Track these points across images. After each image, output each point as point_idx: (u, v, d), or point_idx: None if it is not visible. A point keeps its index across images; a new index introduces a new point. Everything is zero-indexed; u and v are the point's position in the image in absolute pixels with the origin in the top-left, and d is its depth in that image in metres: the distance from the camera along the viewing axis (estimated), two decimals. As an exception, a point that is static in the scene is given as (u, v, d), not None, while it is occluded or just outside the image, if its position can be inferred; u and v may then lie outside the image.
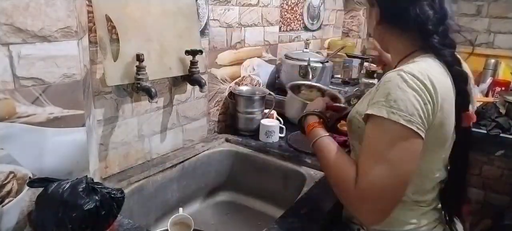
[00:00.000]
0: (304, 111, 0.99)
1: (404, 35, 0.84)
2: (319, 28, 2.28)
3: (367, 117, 0.76)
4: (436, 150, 0.81)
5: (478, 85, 2.27)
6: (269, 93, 1.56)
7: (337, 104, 1.06)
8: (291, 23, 1.97)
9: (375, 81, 2.12)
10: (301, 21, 2.07)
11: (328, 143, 0.88)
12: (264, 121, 1.51)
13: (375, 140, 0.75)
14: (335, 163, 0.83)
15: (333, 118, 1.04)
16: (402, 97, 0.71)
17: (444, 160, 0.87)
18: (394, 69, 0.77)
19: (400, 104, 0.71)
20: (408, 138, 0.71)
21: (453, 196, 0.88)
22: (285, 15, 1.90)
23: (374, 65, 2.27)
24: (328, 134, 0.90)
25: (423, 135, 0.72)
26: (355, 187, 0.75)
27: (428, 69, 0.75)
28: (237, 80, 1.64)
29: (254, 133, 1.54)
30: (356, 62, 2.25)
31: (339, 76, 2.17)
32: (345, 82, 2.12)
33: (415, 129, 0.71)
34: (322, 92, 1.32)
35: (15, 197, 0.77)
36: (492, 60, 2.35)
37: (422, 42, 0.81)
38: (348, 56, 1.92)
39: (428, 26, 0.78)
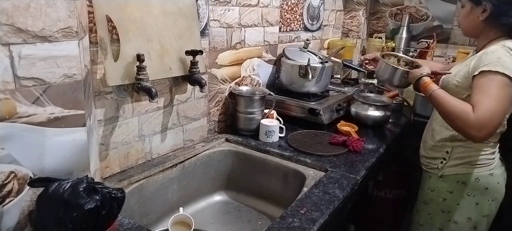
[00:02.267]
0: (419, 74, 1.31)
1: (496, 27, 1.20)
2: (319, 28, 2.28)
3: (480, 73, 1.12)
4: None
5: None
6: (269, 93, 1.57)
7: (435, 70, 1.38)
8: (291, 23, 1.97)
9: (375, 81, 2.13)
10: (301, 22, 2.07)
11: (442, 92, 1.21)
12: (264, 121, 1.51)
13: (488, 86, 1.10)
14: (453, 103, 1.15)
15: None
16: (508, 60, 1.09)
17: None
18: (497, 44, 1.15)
19: (508, 65, 1.09)
20: (510, 86, 1.08)
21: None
22: (285, 15, 1.90)
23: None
24: (438, 87, 1.24)
25: None
26: (474, 116, 1.08)
27: None
28: (237, 80, 1.64)
29: (254, 133, 1.54)
30: (355, 62, 2.26)
31: (338, 76, 2.17)
32: (345, 82, 2.12)
33: None
34: (398, 59, 1.62)
35: (16, 197, 0.77)
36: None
37: (507, 32, 1.18)
38: (344, 65, 1.92)
39: None
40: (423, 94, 1.33)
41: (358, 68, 2.02)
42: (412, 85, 1.40)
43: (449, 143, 1.31)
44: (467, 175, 1.29)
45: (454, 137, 1.28)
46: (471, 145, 1.26)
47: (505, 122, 1.24)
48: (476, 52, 1.26)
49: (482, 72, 1.12)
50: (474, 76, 1.15)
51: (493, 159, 1.29)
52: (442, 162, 1.33)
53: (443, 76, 1.32)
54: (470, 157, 1.28)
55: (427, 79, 1.28)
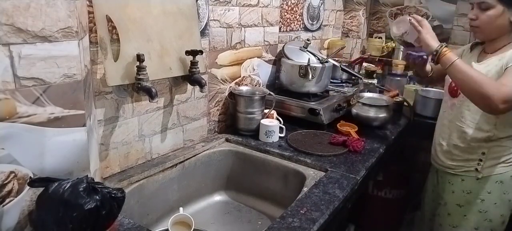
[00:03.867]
0: (438, 46, 1.25)
1: None
2: (319, 28, 2.29)
3: None
4: None
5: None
6: (269, 93, 1.57)
7: None
8: (291, 23, 1.97)
9: (375, 81, 2.13)
10: (301, 22, 2.07)
11: (464, 63, 1.20)
12: (264, 121, 1.51)
13: None
14: (477, 73, 1.18)
15: None
16: None
17: None
18: None
19: None
20: None
21: None
22: (285, 15, 1.90)
23: (373, 66, 2.28)
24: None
25: None
26: (498, 86, 1.12)
27: None
28: (237, 80, 1.64)
29: (254, 133, 1.54)
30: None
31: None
32: (345, 82, 2.12)
33: None
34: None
35: (16, 197, 0.77)
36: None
37: None
38: (342, 69, 1.92)
39: None
40: (440, 65, 1.26)
41: (356, 74, 2.03)
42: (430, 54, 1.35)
43: (485, 144, 1.31)
44: (504, 174, 1.31)
45: (490, 138, 1.28)
46: (506, 143, 1.28)
47: None
48: (489, 52, 1.29)
49: None
50: (506, 68, 1.18)
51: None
52: (479, 164, 1.32)
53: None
54: (504, 155, 1.29)
55: (446, 49, 1.24)
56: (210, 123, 1.54)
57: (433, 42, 1.26)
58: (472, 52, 1.41)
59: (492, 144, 1.29)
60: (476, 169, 1.33)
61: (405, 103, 2.01)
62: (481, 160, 1.32)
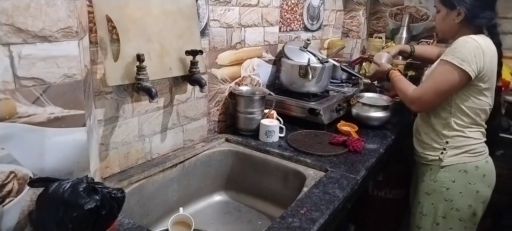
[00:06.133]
0: (386, 69, 1.58)
1: (469, 28, 1.32)
2: (319, 28, 2.29)
3: (439, 60, 1.33)
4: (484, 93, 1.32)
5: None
6: (269, 93, 1.57)
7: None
8: (291, 23, 1.97)
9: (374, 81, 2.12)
10: (301, 22, 2.07)
11: (399, 75, 1.51)
12: (264, 121, 1.51)
13: (435, 71, 1.34)
14: (401, 84, 1.46)
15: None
16: (462, 50, 1.25)
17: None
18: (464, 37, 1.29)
19: (459, 54, 1.25)
20: (452, 72, 1.27)
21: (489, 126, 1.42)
22: (285, 15, 1.90)
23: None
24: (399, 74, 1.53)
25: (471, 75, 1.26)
26: (410, 92, 1.40)
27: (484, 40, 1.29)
28: (237, 80, 1.64)
29: (254, 133, 1.54)
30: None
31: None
32: (345, 82, 2.12)
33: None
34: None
35: (16, 197, 0.77)
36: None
37: (479, 31, 1.32)
38: (342, 69, 1.92)
39: (493, 22, 1.34)
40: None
41: (356, 74, 2.02)
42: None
43: (448, 132, 1.37)
44: (468, 164, 1.36)
45: (449, 124, 1.37)
46: (470, 134, 1.35)
47: (488, 109, 1.36)
48: None
49: (439, 60, 1.33)
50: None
51: (485, 147, 1.39)
52: (442, 153, 1.39)
53: (426, 71, 1.49)
54: (468, 145, 1.36)
55: (392, 71, 1.54)
56: (210, 123, 1.54)
57: (383, 67, 1.61)
58: None
59: (455, 133, 1.36)
60: (439, 158, 1.39)
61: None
62: (445, 149, 1.38)
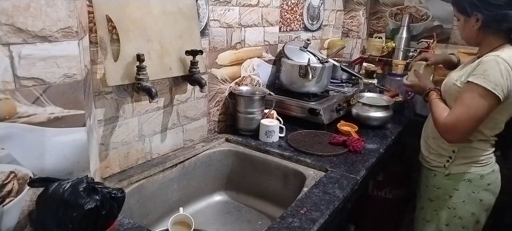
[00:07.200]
0: (427, 89, 1.41)
1: (493, 33, 1.23)
2: (319, 28, 2.28)
3: (467, 82, 1.21)
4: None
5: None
6: (269, 93, 1.57)
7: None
8: (291, 23, 1.97)
9: (375, 81, 2.13)
10: (301, 22, 2.07)
11: (436, 101, 1.33)
12: (264, 121, 1.51)
13: (465, 97, 1.20)
14: (436, 109, 1.30)
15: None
16: (492, 73, 1.15)
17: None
18: (494, 53, 1.19)
19: (491, 78, 1.15)
20: (485, 97, 1.16)
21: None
22: (285, 15, 1.90)
23: (373, 66, 2.28)
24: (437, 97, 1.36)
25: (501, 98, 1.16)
26: (443, 120, 1.25)
27: None
28: (237, 80, 1.64)
29: (254, 133, 1.54)
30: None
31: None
32: (345, 82, 2.12)
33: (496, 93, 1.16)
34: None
35: (16, 197, 0.77)
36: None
37: (507, 37, 1.23)
38: (342, 69, 1.92)
39: None
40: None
41: (356, 74, 2.03)
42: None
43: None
44: (473, 173, 1.33)
45: None
46: (476, 145, 1.30)
47: (502, 125, 1.29)
48: (478, 58, 1.27)
49: (468, 82, 1.20)
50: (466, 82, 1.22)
51: (492, 157, 1.35)
52: (448, 161, 1.36)
53: (444, 81, 1.37)
54: (476, 156, 1.32)
55: (431, 92, 1.38)
56: (210, 123, 1.54)
57: (424, 84, 1.45)
58: None
59: (463, 143, 1.31)
60: (444, 166, 1.37)
61: (405, 103, 2.01)
62: (450, 158, 1.35)
